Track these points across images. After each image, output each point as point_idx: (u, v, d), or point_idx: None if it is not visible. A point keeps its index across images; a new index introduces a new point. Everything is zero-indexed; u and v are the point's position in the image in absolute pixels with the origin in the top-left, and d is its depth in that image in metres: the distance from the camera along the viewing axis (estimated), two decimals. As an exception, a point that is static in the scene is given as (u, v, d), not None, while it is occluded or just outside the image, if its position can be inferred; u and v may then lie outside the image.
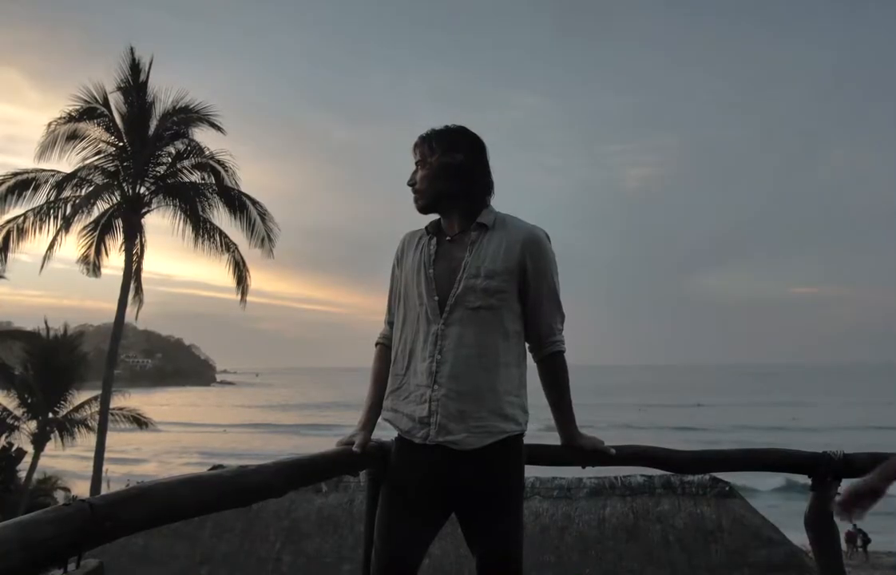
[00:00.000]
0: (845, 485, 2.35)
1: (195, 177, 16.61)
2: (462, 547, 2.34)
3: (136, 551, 4.20)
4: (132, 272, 15.96)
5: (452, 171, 1.93)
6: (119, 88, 15.80)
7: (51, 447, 18.25)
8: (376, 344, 2.13)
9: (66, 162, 15.68)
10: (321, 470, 2.07)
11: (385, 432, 2.09)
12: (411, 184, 1.99)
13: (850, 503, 1.80)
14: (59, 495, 18.55)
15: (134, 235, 15.97)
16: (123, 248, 15.85)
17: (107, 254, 15.88)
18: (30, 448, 17.50)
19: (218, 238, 16.41)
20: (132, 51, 15.86)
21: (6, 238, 15.17)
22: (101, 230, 15.76)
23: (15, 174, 15.44)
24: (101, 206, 15.89)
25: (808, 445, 2.58)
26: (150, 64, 16.15)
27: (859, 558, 16.52)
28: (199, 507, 1.49)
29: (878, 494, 1.75)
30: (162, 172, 16.54)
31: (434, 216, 2.03)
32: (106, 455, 16.09)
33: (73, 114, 15.39)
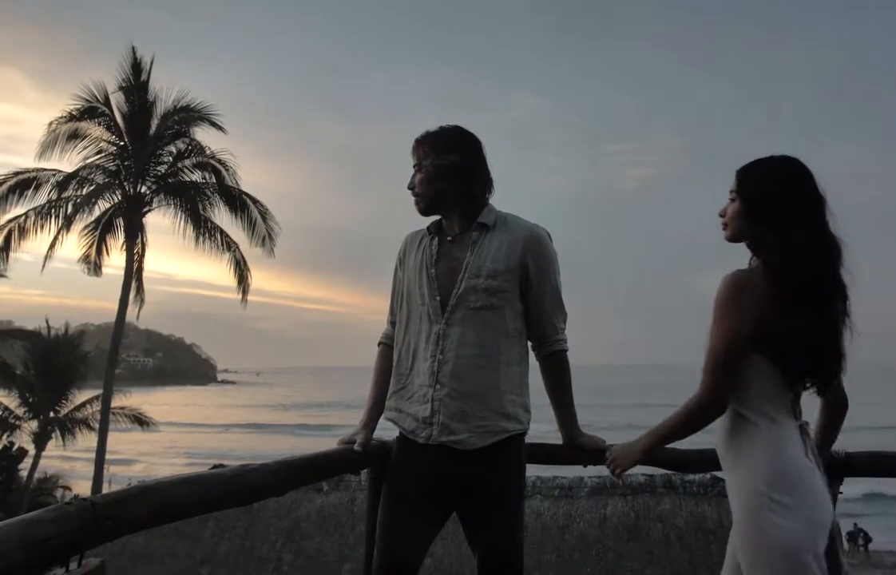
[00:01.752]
0: (848, 484, 2.35)
1: (196, 176, 16.65)
2: (463, 546, 2.34)
3: (138, 550, 4.20)
4: (133, 271, 15.97)
5: (448, 171, 1.92)
6: (120, 88, 15.81)
7: (52, 446, 18.26)
8: (379, 344, 2.13)
9: (66, 161, 15.74)
10: (322, 469, 2.07)
11: (386, 432, 2.09)
12: (410, 187, 1.99)
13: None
14: (61, 494, 18.54)
15: (135, 235, 15.98)
16: (124, 247, 15.87)
17: (108, 253, 15.92)
18: (31, 447, 17.51)
19: (219, 237, 16.43)
20: (133, 50, 15.89)
21: (8, 237, 15.20)
22: (102, 229, 15.77)
23: (16, 173, 15.47)
24: (102, 206, 15.94)
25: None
26: (152, 63, 16.19)
27: (860, 557, 16.51)
28: (200, 506, 1.49)
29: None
30: (163, 172, 16.56)
31: (436, 216, 2.03)
32: (106, 455, 16.11)
33: (73, 113, 15.42)
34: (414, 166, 1.98)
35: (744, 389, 1.56)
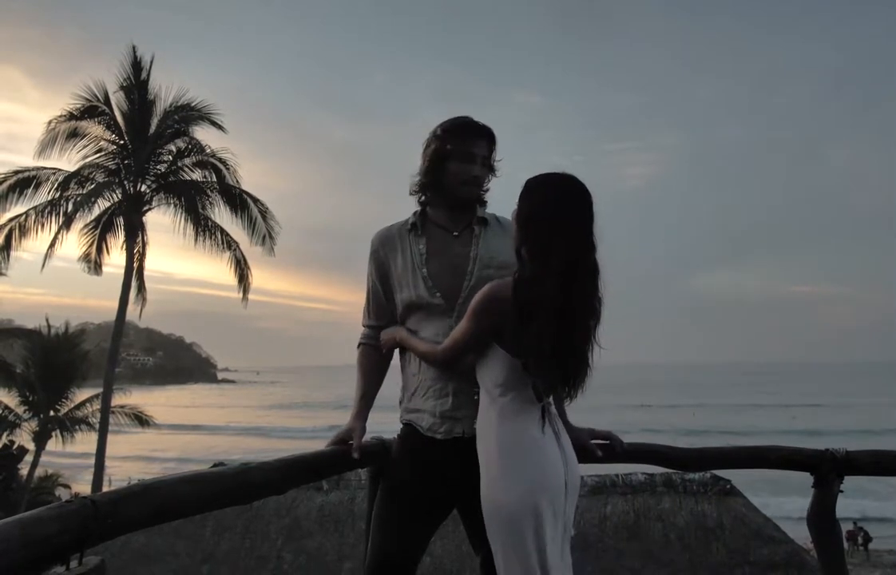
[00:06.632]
0: (848, 482, 2.35)
1: (196, 175, 16.67)
2: (463, 546, 2.33)
3: (138, 549, 4.20)
4: (133, 270, 15.98)
5: (493, 170, 2.02)
6: (121, 87, 15.82)
7: (52, 445, 18.27)
8: (359, 345, 2.09)
9: (66, 160, 15.74)
10: (322, 467, 2.06)
11: (386, 433, 2.09)
12: (477, 176, 1.97)
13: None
14: (61, 493, 18.55)
15: (135, 233, 15.99)
16: (124, 246, 15.87)
17: (108, 252, 15.93)
18: (31, 446, 17.52)
19: (219, 236, 16.43)
20: (134, 49, 15.90)
21: (8, 236, 15.19)
22: (102, 228, 15.78)
23: (16, 172, 15.47)
24: (102, 204, 15.95)
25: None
26: (152, 62, 16.20)
27: (860, 556, 16.50)
28: (200, 504, 1.49)
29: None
30: (163, 170, 16.57)
31: (407, 211, 2.05)
32: (106, 454, 16.12)
33: (73, 112, 15.42)
34: (482, 157, 1.97)
35: (491, 372, 1.72)
